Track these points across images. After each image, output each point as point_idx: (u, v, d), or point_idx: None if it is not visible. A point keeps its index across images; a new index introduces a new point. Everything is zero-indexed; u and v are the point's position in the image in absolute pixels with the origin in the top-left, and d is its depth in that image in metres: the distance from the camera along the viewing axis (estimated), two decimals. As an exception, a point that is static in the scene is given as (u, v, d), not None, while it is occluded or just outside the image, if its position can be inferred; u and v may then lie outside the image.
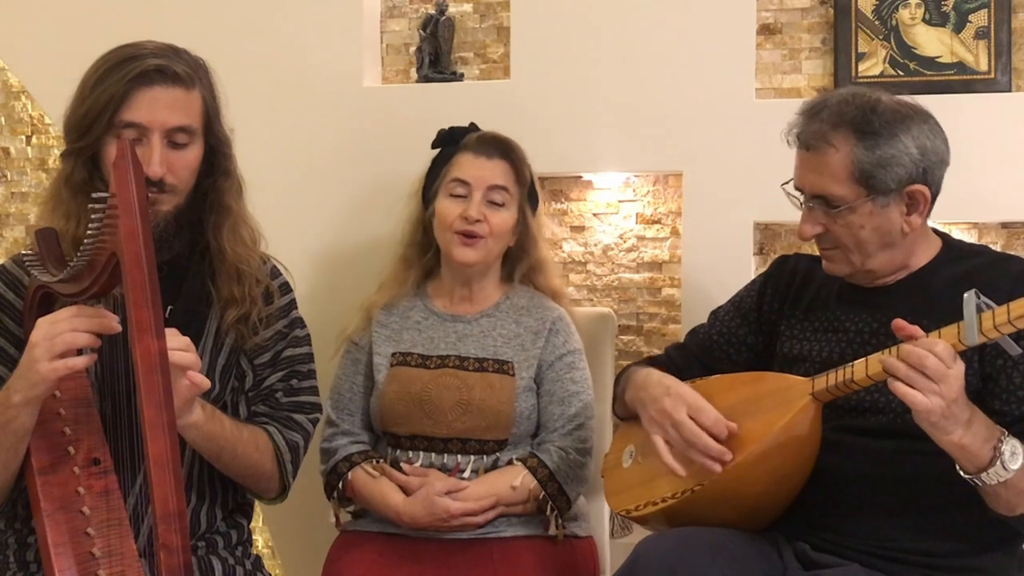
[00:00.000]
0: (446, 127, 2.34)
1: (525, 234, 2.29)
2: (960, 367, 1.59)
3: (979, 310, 1.57)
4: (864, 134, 1.77)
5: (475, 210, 2.20)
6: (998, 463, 1.61)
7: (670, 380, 1.93)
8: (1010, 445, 1.61)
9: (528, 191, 2.29)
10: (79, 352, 1.61)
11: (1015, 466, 1.61)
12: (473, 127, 2.33)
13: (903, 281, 1.88)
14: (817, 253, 1.96)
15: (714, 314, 2.14)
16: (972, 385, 1.73)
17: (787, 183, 1.91)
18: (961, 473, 1.64)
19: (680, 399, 1.85)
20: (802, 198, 1.87)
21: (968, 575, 1.78)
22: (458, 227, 2.20)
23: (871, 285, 1.90)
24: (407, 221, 2.35)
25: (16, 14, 3.00)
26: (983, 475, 1.62)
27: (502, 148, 2.25)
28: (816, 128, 1.81)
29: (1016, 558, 1.84)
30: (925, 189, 1.80)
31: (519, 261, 2.31)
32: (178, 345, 1.61)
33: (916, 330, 1.61)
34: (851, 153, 1.77)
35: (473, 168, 2.23)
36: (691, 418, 1.81)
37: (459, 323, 2.27)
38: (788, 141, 1.88)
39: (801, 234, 1.88)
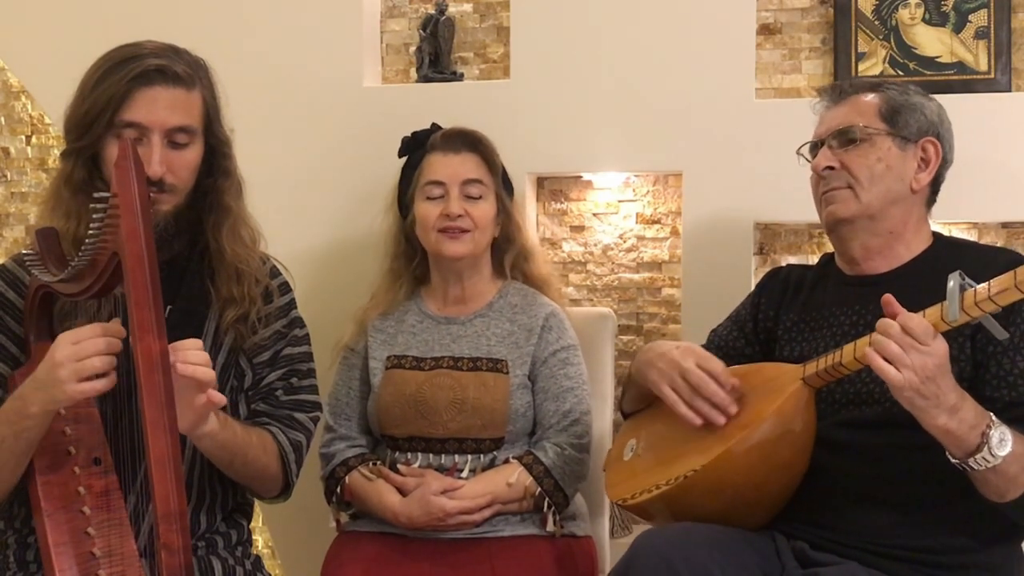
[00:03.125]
0: (412, 133, 2.34)
1: (507, 222, 2.30)
2: (940, 346, 1.60)
3: (962, 289, 1.59)
4: (892, 88, 1.96)
5: (455, 206, 2.20)
6: (985, 449, 1.62)
7: (678, 341, 2.00)
8: (999, 432, 1.63)
9: (504, 178, 2.29)
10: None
11: (1003, 453, 1.62)
12: (435, 127, 2.32)
13: (895, 271, 1.91)
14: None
15: (713, 331, 2.17)
16: (965, 373, 1.76)
17: (803, 146, 2.02)
18: (950, 458, 1.66)
19: (689, 350, 1.89)
20: (819, 145, 1.96)
21: (969, 572, 1.78)
22: (440, 225, 2.21)
23: (862, 272, 1.93)
24: (388, 234, 2.36)
25: (16, 14, 3.00)
26: (970, 460, 1.63)
27: (469, 141, 2.26)
28: (851, 84, 2.02)
29: (1017, 554, 1.85)
30: (938, 144, 1.92)
31: (507, 251, 2.31)
32: (199, 360, 1.61)
33: (899, 307, 1.63)
34: (880, 96, 1.94)
35: (444, 166, 2.23)
36: (698, 367, 1.84)
37: (453, 325, 2.27)
38: (816, 109, 2.02)
39: (816, 166, 1.95)
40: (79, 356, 1.57)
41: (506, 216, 2.29)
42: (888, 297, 1.65)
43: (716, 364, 1.86)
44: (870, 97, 1.94)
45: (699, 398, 1.83)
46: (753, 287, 2.21)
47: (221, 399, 1.65)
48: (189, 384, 1.60)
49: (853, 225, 1.92)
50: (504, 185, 2.30)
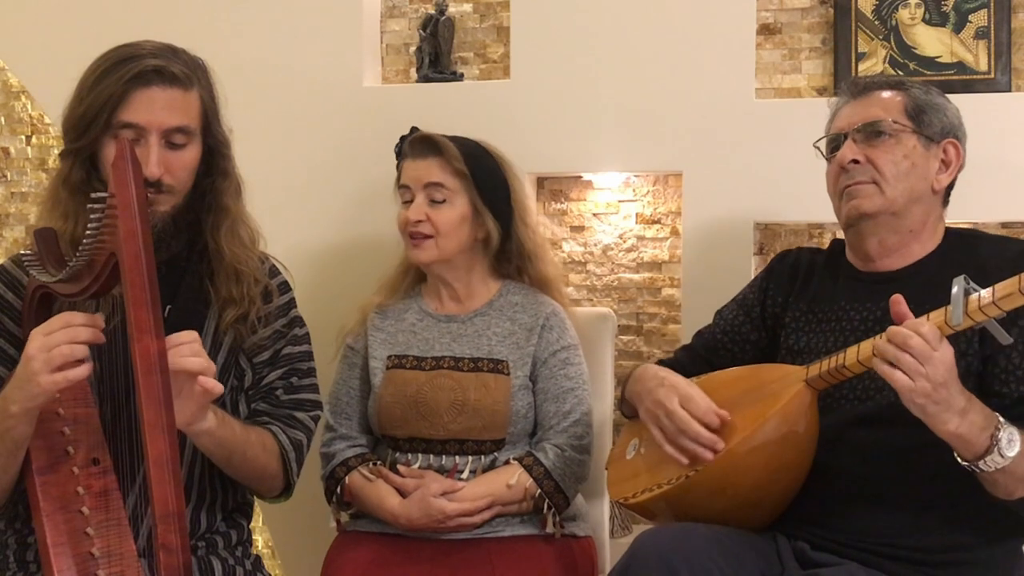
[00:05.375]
0: (400, 137, 2.34)
1: (508, 223, 2.27)
2: (947, 351, 1.60)
3: (966, 293, 1.59)
4: (915, 87, 1.95)
5: (414, 212, 2.22)
6: (995, 451, 1.62)
7: (665, 372, 1.96)
8: (1007, 432, 1.63)
9: (480, 181, 2.23)
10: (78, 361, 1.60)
11: (1012, 453, 1.62)
12: (415, 131, 2.32)
13: (908, 268, 1.91)
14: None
15: (718, 313, 2.15)
16: (973, 367, 1.76)
17: (819, 140, 1.99)
18: (959, 460, 1.66)
19: (672, 389, 1.87)
20: (840, 140, 1.93)
21: (969, 569, 1.78)
22: (408, 230, 2.23)
23: (875, 269, 1.92)
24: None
25: (16, 14, 3.01)
26: (980, 463, 1.63)
27: (430, 145, 2.25)
28: (872, 79, 2.00)
29: (1018, 551, 1.85)
30: (959, 146, 1.92)
31: (507, 252, 2.30)
32: (189, 351, 1.60)
33: (906, 309, 1.63)
34: (905, 94, 1.92)
35: (409, 171, 2.26)
36: (682, 407, 1.83)
37: (453, 323, 2.27)
38: (832, 104, 2.01)
39: (841, 159, 1.91)
40: (49, 346, 1.57)
41: (495, 218, 2.26)
42: (896, 297, 1.64)
43: (700, 403, 1.83)
44: (895, 94, 1.93)
45: (684, 438, 1.82)
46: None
47: (217, 386, 1.64)
48: (184, 376, 1.60)
49: (876, 220, 1.89)
50: (486, 186, 2.25)
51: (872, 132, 1.89)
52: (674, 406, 1.84)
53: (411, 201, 2.24)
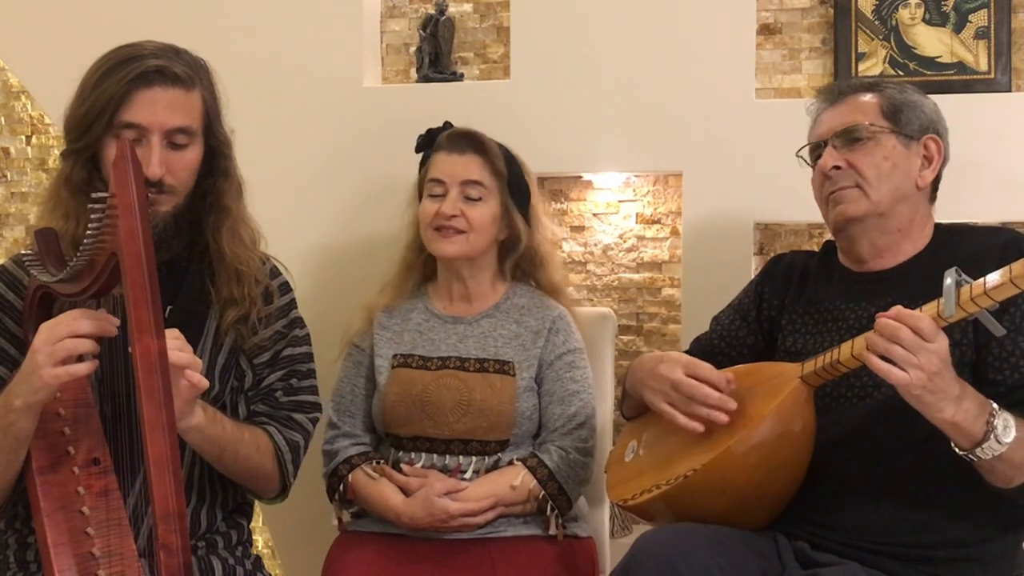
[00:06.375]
0: (427, 130, 2.34)
1: (513, 228, 2.28)
2: (942, 342, 1.60)
3: (958, 285, 1.59)
4: (890, 87, 1.96)
5: (449, 206, 2.20)
6: (992, 437, 1.62)
7: (661, 352, 1.99)
8: (1002, 419, 1.63)
9: (512, 184, 2.27)
10: (81, 358, 1.61)
11: (1008, 439, 1.62)
12: (448, 126, 2.33)
13: (899, 267, 1.91)
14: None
15: (715, 319, 2.16)
16: (967, 356, 1.76)
17: (801, 149, 2.01)
18: (956, 450, 1.66)
19: (674, 361, 1.89)
20: (821, 146, 1.94)
21: (970, 565, 1.78)
22: (435, 223, 2.22)
23: (869, 269, 1.93)
24: (409, 225, 2.36)
25: (16, 14, 3.01)
26: (977, 450, 1.64)
27: (472, 143, 2.26)
28: (847, 84, 2.02)
29: (1018, 546, 1.85)
30: (940, 141, 1.93)
31: (510, 256, 2.31)
32: (174, 345, 1.60)
33: (896, 308, 1.63)
34: (880, 95, 1.93)
35: (446, 165, 2.24)
36: (687, 375, 1.85)
37: (460, 324, 2.27)
38: (812, 111, 2.01)
39: (823, 166, 1.92)
40: (54, 339, 1.57)
41: (511, 221, 2.28)
42: (879, 317, 1.64)
43: (704, 368, 1.86)
44: (870, 96, 1.94)
45: (695, 404, 1.83)
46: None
47: (202, 381, 1.65)
48: (171, 371, 1.59)
49: (863, 223, 1.91)
50: (516, 189, 2.28)
51: (850, 137, 1.90)
52: (679, 376, 1.85)
53: (442, 195, 2.23)
